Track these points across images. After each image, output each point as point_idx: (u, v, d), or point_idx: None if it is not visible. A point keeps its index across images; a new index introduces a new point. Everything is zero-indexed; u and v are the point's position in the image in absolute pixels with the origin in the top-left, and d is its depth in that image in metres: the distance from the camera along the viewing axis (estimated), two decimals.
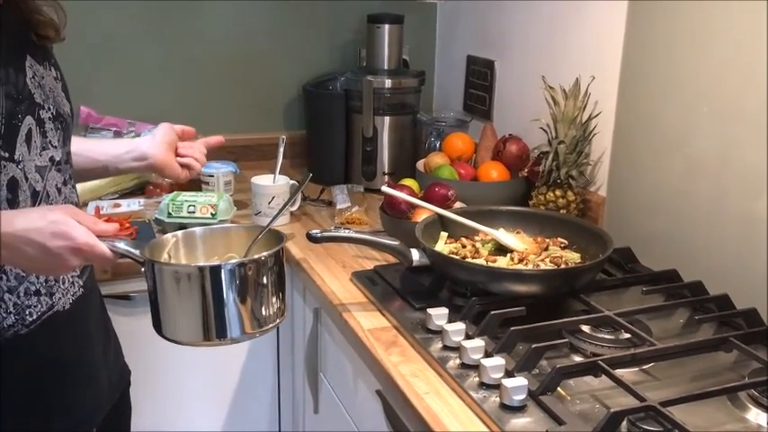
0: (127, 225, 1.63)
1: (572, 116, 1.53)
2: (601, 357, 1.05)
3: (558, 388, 1.01)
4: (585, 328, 1.18)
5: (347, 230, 1.46)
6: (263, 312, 0.93)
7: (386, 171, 2.02)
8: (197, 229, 1.07)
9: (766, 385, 1.00)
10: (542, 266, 1.28)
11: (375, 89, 1.95)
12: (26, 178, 0.97)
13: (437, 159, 1.84)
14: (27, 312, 0.99)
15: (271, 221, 1.06)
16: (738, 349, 1.09)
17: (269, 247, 0.96)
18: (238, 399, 1.76)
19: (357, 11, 2.14)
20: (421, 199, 1.53)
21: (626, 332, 1.15)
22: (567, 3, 1.68)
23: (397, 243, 1.33)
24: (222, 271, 0.89)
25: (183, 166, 1.27)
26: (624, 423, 0.92)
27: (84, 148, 1.20)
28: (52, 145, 1.02)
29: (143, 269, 0.93)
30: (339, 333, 1.34)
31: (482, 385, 1.03)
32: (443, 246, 1.38)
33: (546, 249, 1.35)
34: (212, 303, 0.89)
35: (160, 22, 2.01)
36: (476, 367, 1.06)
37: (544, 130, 1.58)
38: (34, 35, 1.03)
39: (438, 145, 1.98)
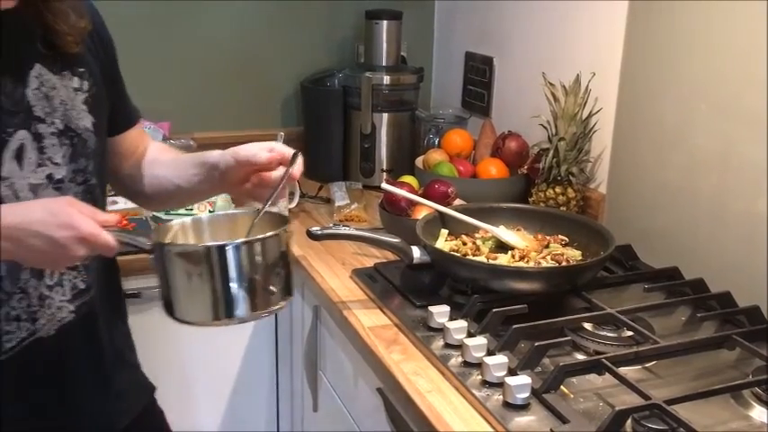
0: (124, 222, 1.61)
1: (572, 113, 1.53)
2: (604, 355, 1.05)
3: (562, 386, 1.01)
4: (588, 326, 1.17)
5: (347, 228, 1.45)
6: (270, 292, 0.93)
7: (384, 168, 2.02)
8: (203, 215, 1.07)
9: None
10: (543, 264, 1.28)
11: (373, 86, 1.94)
12: (16, 196, 0.92)
13: (436, 156, 1.83)
14: (5, 339, 0.95)
15: (268, 199, 1.03)
16: (741, 347, 1.09)
17: (274, 230, 0.96)
18: (237, 397, 1.75)
19: (355, 7, 2.13)
20: (421, 196, 1.52)
21: (628, 330, 1.15)
22: (566, 0, 1.68)
23: (398, 240, 1.33)
24: (228, 250, 0.89)
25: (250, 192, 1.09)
26: (629, 421, 0.92)
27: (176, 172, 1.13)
28: (53, 162, 0.96)
29: (151, 255, 0.92)
30: (339, 331, 1.33)
31: (485, 383, 1.03)
32: (444, 243, 1.37)
33: (547, 247, 1.35)
34: (219, 283, 0.90)
35: (158, 20, 1.99)
36: (478, 365, 1.05)
37: (544, 127, 1.58)
38: (48, 41, 0.96)
39: (437, 142, 1.97)
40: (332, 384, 1.49)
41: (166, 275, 0.91)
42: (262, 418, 1.79)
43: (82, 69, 1.00)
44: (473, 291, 1.26)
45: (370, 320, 1.25)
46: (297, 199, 1.80)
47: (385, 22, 2.00)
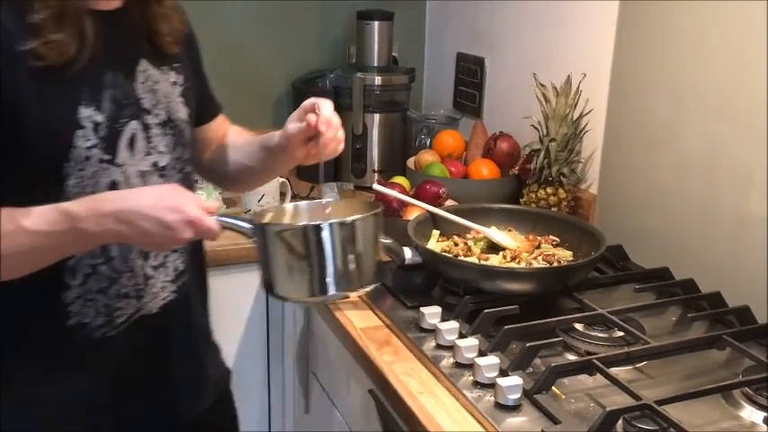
0: None
1: (563, 114, 1.53)
2: (595, 356, 1.05)
3: (553, 387, 1.01)
4: (579, 327, 1.18)
5: None
6: (363, 271, 0.98)
7: (376, 168, 2.01)
8: (300, 203, 1.12)
9: (760, 383, 1.00)
10: (535, 264, 1.28)
11: (365, 86, 1.94)
12: (128, 182, 0.98)
13: (427, 157, 1.83)
14: (116, 314, 1.01)
15: (321, 173, 1.10)
16: (732, 347, 1.09)
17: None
18: None
19: (346, 7, 2.13)
20: (412, 197, 1.52)
21: (619, 330, 1.15)
22: (558, 1, 1.68)
23: (389, 241, 1.31)
24: (324, 228, 0.94)
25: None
26: (620, 422, 0.92)
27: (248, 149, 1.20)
28: (158, 150, 1.02)
29: (252, 238, 0.97)
30: (331, 332, 1.33)
31: (476, 384, 1.03)
32: (435, 244, 1.37)
33: (538, 247, 1.35)
34: (315, 261, 0.95)
35: None
36: (470, 366, 1.05)
37: (535, 128, 1.58)
38: (152, 40, 1.03)
39: (428, 142, 1.97)
40: (324, 386, 1.49)
41: (266, 255, 0.96)
42: (253, 419, 1.78)
43: (177, 65, 1.07)
44: (465, 291, 1.26)
45: (362, 321, 1.25)
46: (288, 199, 1.80)
47: (376, 23, 2.00)
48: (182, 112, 1.06)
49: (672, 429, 0.90)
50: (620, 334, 1.15)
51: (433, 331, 1.15)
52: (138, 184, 0.99)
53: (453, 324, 1.14)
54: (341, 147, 1.12)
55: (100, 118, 0.94)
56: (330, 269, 0.95)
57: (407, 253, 1.30)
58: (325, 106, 1.07)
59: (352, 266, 0.97)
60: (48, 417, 1.01)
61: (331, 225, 0.94)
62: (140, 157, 1.00)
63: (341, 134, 1.10)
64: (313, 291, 0.97)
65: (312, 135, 1.07)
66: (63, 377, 1.00)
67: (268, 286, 0.99)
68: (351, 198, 1.00)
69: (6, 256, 0.88)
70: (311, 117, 1.06)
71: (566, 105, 1.53)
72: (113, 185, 0.97)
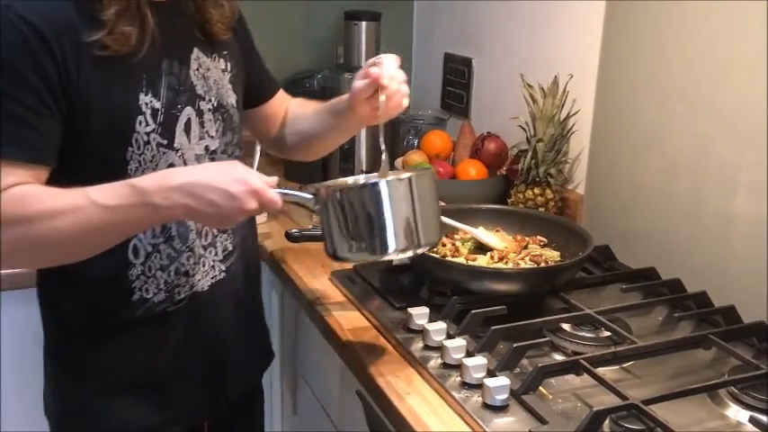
0: None
1: (550, 114, 1.53)
2: (582, 356, 1.05)
3: (540, 387, 1.01)
4: (566, 327, 1.18)
5: None
6: (422, 229, 1.01)
7: (364, 169, 2.01)
8: (357, 176, 1.18)
9: (746, 382, 1.00)
10: (522, 265, 1.28)
11: None
12: (184, 165, 1.02)
13: (415, 157, 1.83)
14: (176, 291, 1.07)
15: (380, 136, 1.10)
16: (717, 347, 1.10)
17: None
18: None
19: (334, 8, 2.12)
20: None
21: (606, 330, 1.15)
22: (545, 2, 1.68)
23: None
24: (382, 185, 0.99)
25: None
26: (607, 422, 0.92)
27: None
28: (209, 135, 1.07)
29: (315, 207, 1.02)
30: (318, 333, 1.33)
31: (464, 385, 1.03)
32: None
33: (525, 248, 1.35)
34: (375, 219, 0.98)
35: None
36: (457, 367, 1.05)
37: (523, 128, 1.58)
38: (203, 28, 1.07)
39: (416, 143, 1.97)
40: (311, 387, 1.48)
41: (328, 219, 1.01)
42: None
43: (226, 52, 1.12)
44: (452, 292, 1.25)
45: (350, 322, 1.24)
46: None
47: (364, 23, 1.99)
48: (231, 98, 1.12)
49: (658, 429, 0.90)
50: (607, 334, 1.15)
51: (421, 332, 1.15)
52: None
53: (441, 325, 1.14)
54: (406, 101, 1.12)
55: (158, 104, 0.99)
56: (390, 226, 0.98)
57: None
58: (389, 61, 1.09)
59: (411, 223, 1.00)
60: (108, 390, 1.08)
61: (388, 182, 0.99)
62: (195, 142, 1.05)
63: (405, 88, 1.11)
64: (374, 249, 1.00)
65: (376, 90, 1.09)
66: (124, 351, 1.07)
67: (332, 251, 1.03)
68: (401, 170, 1.06)
69: (81, 232, 0.90)
70: (373, 70, 1.08)
71: (553, 106, 1.53)
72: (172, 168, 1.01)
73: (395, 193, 0.99)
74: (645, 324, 1.22)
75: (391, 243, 0.99)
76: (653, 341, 1.11)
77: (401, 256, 1.06)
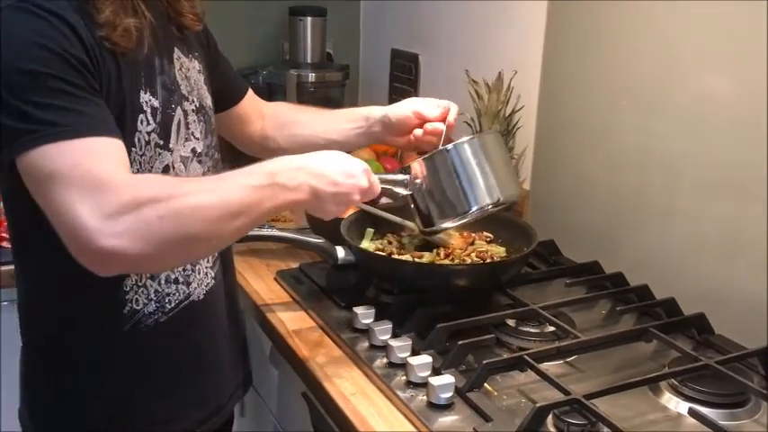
0: None
1: (495, 110, 1.54)
2: (526, 352, 1.05)
3: (486, 384, 1.01)
4: (511, 323, 1.18)
5: (270, 228, 1.42)
6: (504, 182, 1.14)
7: None
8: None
9: (685, 374, 1.02)
10: (468, 261, 1.28)
11: (298, 83, 1.92)
12: (177, 167, 1.00)
13: (362, 155, 1.81)
14: (167, 300, 1.02)
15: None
16: (658, 339, 1.11)
17: None
18: None
19: (279, 3, 2.09)
20: None
21: (550, 325, 1.16)
22: (490, 0, 1.69)
23: (321, 241, 1.31)
24: (464, 145, 1.11)
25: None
26: (550, 417, 0.92)
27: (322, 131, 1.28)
28: (194, 137, 1.04)
29: (408, 186, 1.13)
30: (264, 334, 1.31)
31: (409, 384, 1.02)
32: (370, 242, 1.35)
33: (472, 244, 1.35)
34: (465, 175, 1.10)
35: None
36: (403, 366, 1.04)
37: (469, 125, 1.58)
38: (178, 23, 1.05)
39: None
40: (258, 389, 1.46)
41: (422, 192, 1.11)
42: None
43: (197, 53, 1.10)
44: (399, 290, 1.25)
45: (295, 323, 1.23)
46: None
47: (309, 19, 1.98)
48: (208, 99, 1.10)
49: (600, 423, 0.90)
50: (552, 329, 1.16)
51: (367, 331, 1.13)
52: (184, 169, 1.01)
53: (387, 324, 1.13)
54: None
55: (156, 103, 0.96)
56: (476, 181, 1.10)
57: (340, 252, 1.29)
58: (455, 111, 1.23)
59: (494, 178, 1.12)
60: (105, 402, 1.02)
61: (471, 140, 1.11)
62: (182, 143, 1.02)
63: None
64: (464, 207, 1.11)
65: (423, 123, 1.21)
66: (119, 365, 1.01)
67: (428, 223, 1.13)
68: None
69: (220, 211, 0.86)
70: (445, 112, 1.21)
71: (498, 102, 1.53)
72: (166, 170, 0.98)
73: (476, 152, 1.11)
74: (589, 318, 1.24)
75: (478, 200, 1.11)
76: (596, 335, 1.11)
77: (493, 209, 1.16)
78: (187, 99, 1.03)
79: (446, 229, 1.20)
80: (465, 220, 1.17)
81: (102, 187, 0.80)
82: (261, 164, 0.93)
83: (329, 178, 0.94)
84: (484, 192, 1.11)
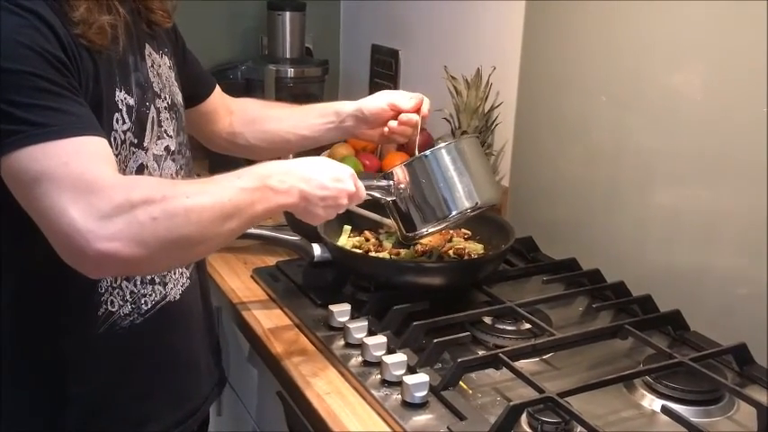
0: None
1: (474, 106, 1.53)
2: (502, 350, 1.05)
3: (461, 382, 1.01)
4: (487, 320, 1.18)
5: None
6: (483, 186, 1.14)
7: None
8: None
9: (659, 371, 1.02)
10: (446, 258, 1.27)
11: (277, 78, 1.90)
12: (151, 166, 0.98)
13: (341, 150, 1.80)
14: (143, 301, 1.00)
15: (416, 141, 1.22)
16: (633, 336, 1.11)
17: None
18: None
19: None
20: None
21: (527, 323, 1.16)
22: None
23: (297, 239, 1.30)
24: (442, 150, 1.12)
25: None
26: (524, 415, 0.92)
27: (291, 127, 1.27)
28: (167, 134, 1.02)
29: (390, 197, 1.13)
30: (240, 333, 1.29)
31: (384, 383, 1.01)
32: (347, 239, 1.35)
33: (450, 241, 1.34)
34: (452, 177, 1.11)
35: None
36: (378, 364, 1.04)
37: (447, 121, 1.58)
38: (148, 19, 1.03)
39: None
40: (235, 388, 1.45)
41: (403, 199, 1.12)
42: None
43: (167, 49, 1.08)
44: (376, 287, 1.24)
45: (271, 321, 1.22)
46: None
47: (288, 13, 1.96)
48: (179, 96, 1.08)
49: (573, 421, 0.90)
50: (528, 326, 1.15)
51: (342, 329, 1.13)
52: (157, 168, 0.99)
53: (362, 322, 1.12)
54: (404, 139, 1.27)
55: (131, 101, 0.94)
56: (455, 185, 1.11)
57: (317, 250, 1.28)
58: (428, 103, 1.24)
59: (476, 181, 1.12)
60: (79, 405, 0.98)
61: (447, 146, 1.13)
62: (155, 142, 1.00)
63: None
64: (443, 212, 1.11)
65: (397, 115, 1.21)
66: (93, 367, 0.99)
67: (410, 228, 1.13)
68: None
69: (212, 212, 0.85)
70: (419, 102, 1.22)
71: (476, 98, 1.53)
72: (141, 169, 0.96)
73: (455, 156, 1.12)
74: (565, 315, 1.23)
75: (459, 203, 1.11)
76: (572, 332, 1.11)
77: (472, 213, 1.16)
78: (159, 96, 1.01)
79: (428, 234, 1.20)
80: (446, 224, 1.17)
81: (94, 188, 0.78)
82: (251, 167, 0.92)
83: (318, 182, 0.95)
84: (462, 196, 1.12)
